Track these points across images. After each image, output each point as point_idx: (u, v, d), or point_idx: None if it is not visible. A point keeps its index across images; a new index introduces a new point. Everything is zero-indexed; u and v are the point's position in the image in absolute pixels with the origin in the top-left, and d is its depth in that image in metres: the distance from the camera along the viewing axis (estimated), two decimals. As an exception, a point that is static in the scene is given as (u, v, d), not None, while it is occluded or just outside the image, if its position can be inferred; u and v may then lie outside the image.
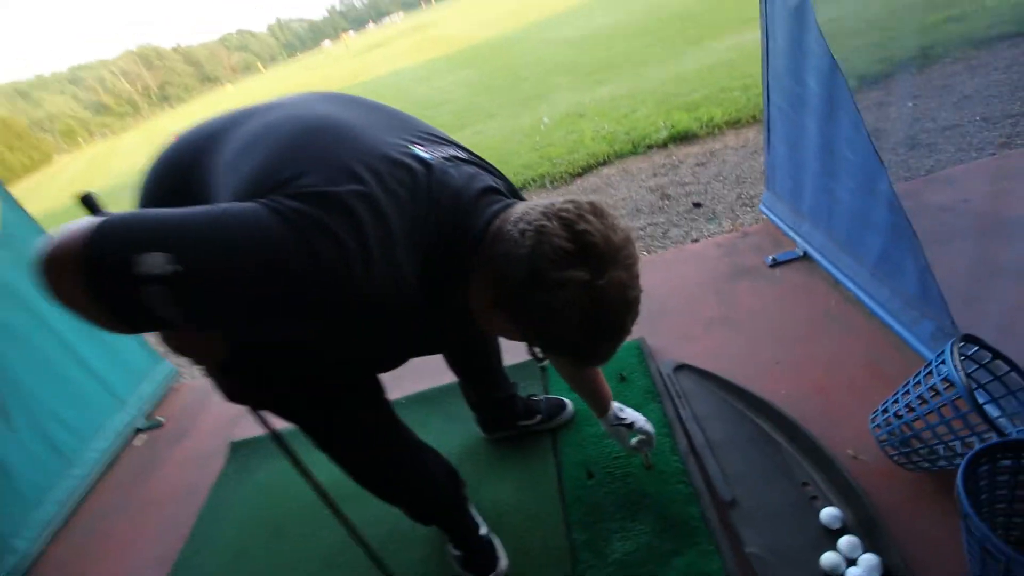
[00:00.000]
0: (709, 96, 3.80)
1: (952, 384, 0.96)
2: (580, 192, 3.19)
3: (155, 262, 0.53)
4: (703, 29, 6.14)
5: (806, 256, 1.83)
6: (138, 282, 0.53)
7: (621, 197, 2.93)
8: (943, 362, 0.99)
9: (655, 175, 3.05)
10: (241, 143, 0.71)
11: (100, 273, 0.53)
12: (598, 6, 11.89)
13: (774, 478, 1.20)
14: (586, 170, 3.40)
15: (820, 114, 1.54)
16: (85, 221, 0.55)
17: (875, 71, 3.08)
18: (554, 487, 1.33)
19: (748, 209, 2.44)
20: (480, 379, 1.37)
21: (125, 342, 2.38)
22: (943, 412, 0.99)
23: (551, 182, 3.42)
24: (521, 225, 0.67)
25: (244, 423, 2.00)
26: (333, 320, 0.65)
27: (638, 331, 1.58)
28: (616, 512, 1.23)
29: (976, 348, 1.04)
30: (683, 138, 3.36)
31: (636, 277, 0.69)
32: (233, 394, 0.89)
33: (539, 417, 1.46)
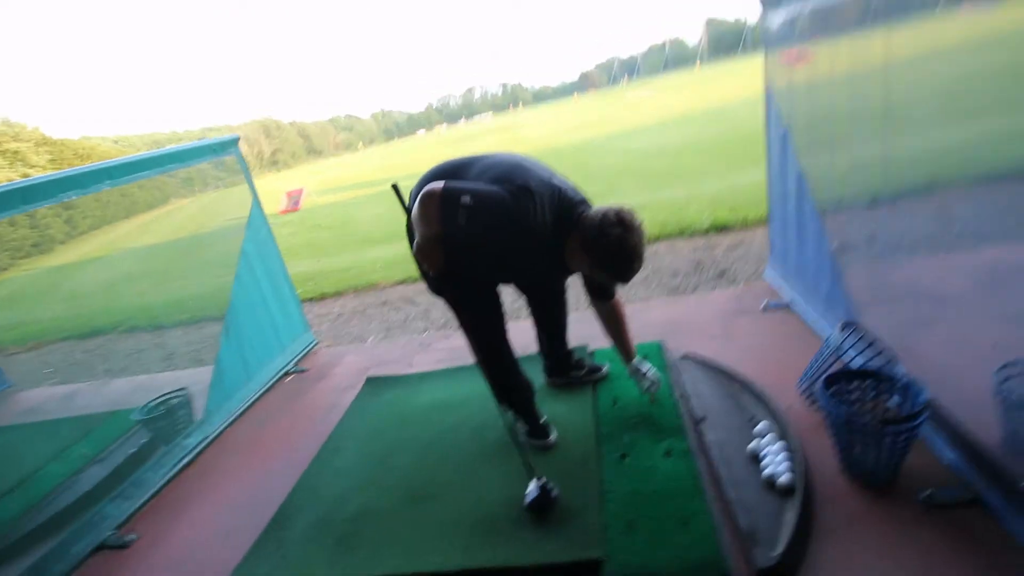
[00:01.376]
0: (751, 200, 4.65)
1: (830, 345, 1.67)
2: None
3: (465, 199, 1.43)
4: (763, 150, 7.13)
5: (789, 306, 2.55)
6: (459, 205, 1.42)
7: (665, 263, 3.74)
8: (829, 336, 1.71)
9: (694, 251, 3.86)
10: (482, 167, 1.63)
11: (447, 200, 1.43)
12: (673, 124, 13.35)
13: (732, 411, 1.88)
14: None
15: (795, 202, 2.36)
16: (438, 184, 1.47)
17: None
18: (590, 407, 2.05)
19: (759, 278, 3.18)
20: (553, 332, 2.16)
21: (293, 309, 3.35)
22: (828, 361, 1.69)
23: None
24: (593, 211, 1.55)
25: (373, 370, 2.85)
26: (515, 233, 1.52)
27: (661, 337, 2.35)
28: (628, 421, 1.93)
29: (855, 328, 1.75)
30: (722, 229, 4.19)
31: (643, 239, 1.53)
32: (435, 288, 1.76)
33: (586, 369, 2.21)
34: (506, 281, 1.90)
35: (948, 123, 1.71)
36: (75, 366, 4.72)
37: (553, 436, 1.91)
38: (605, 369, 2.25)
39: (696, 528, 1.43)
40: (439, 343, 3.14)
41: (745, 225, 4.14)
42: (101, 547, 1.97)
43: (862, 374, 1.60)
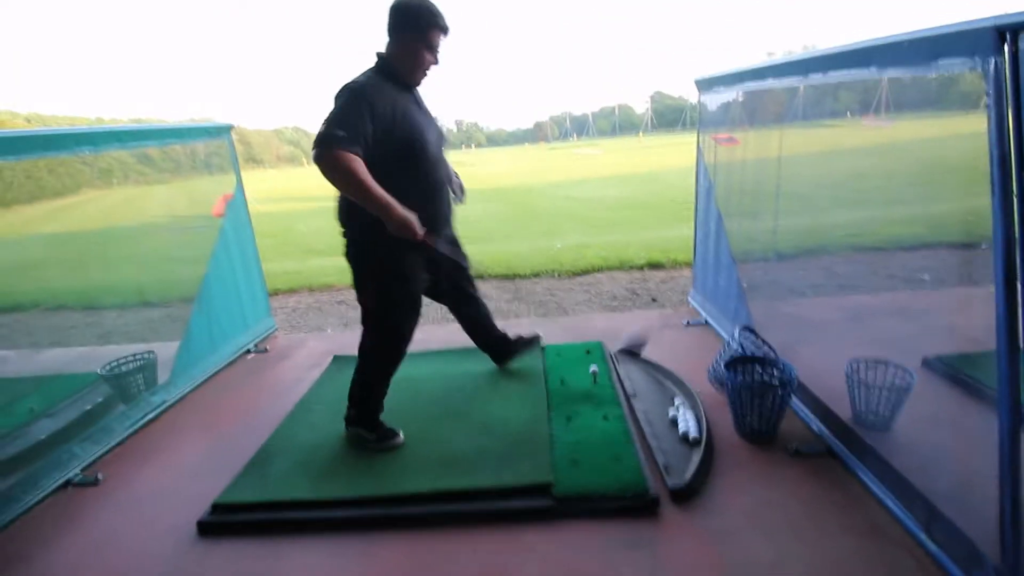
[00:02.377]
0: (680, 248, 5.33)
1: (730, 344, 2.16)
2: (575, 285, 4.51)
3: (339, 132, 1.62)
4: (692, 209, 8.09)
5: (707, 323, 3.08)
6: (347, 126, 1.63)
7: (605, 289, 4.25)
8: (732, 337, 2.20)
9: (631, 282, 4.42)
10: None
11: (340, 146, 1.63)
12: (615, 181, 14.54)
13: (657, 391, 2.32)
14: (583, 272, 4.79)
15: (714, 241, 2.93)
16: (326, 153, 1.63)
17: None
18: (542, 385, 2.42)
19: (685, 304, 3.74)
20: (478, 325, 2.49)
21: (259, 292, 3.49)
22: (729, 353, 2.17)
23: (557, 276, 4.77)
24: None
25: (338, 353, 3.06)
26: (376, 88, 1.73)
27: (601, 339, 2.79)
28: (574, 396, 2.30)
29: (751, 332, 2.26)
30: (655, 266, 4.80)
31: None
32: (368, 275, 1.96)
33: (523, 339, 2.59)
34: (423, 150, 1.86)
35: (840, 207, 2.38)
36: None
37: (401, 436, 2.05)
38: (541, 335, 2.66)
39: (625, 463, 1.80)
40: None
41: (675, 265, 4.78)
42: (67, 484, 2.03)
43: (752, 359, 2.09)
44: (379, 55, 1.87)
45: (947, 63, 1.24)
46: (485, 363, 2.68)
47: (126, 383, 2.57)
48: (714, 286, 3.02)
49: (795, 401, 2.12)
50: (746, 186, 2.68)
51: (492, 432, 2.08)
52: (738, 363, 2.07)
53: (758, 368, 2.03)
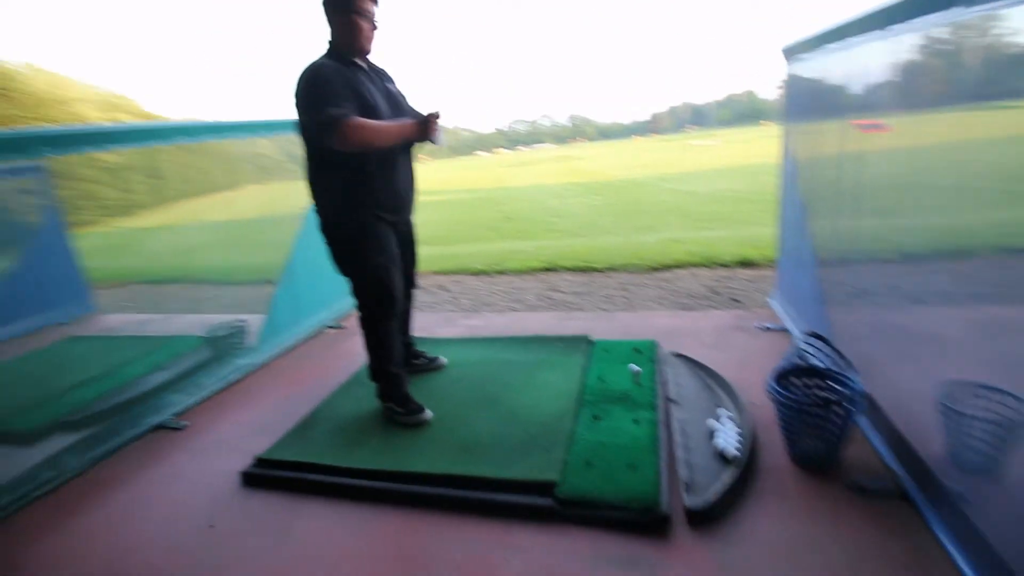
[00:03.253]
0: (780, 246, 4.78)
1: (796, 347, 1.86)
2: (651, 281, 4.23)
3: (333, 111, 1.76)
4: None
5: (786, 330, 2.71)
6: (328, 99, 1.79)
7: (683, 286, 3.94)
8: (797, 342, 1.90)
9: (715, 280, 4.04)
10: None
11: (329, 104, 1.79)
12: (730, 173, 13.47)
13: (704, 399, 2.08)
14: (663, 268, 4.48)
15: (798, 238, 2.56)
16: (334, 127, 1.78)
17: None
18: (577, 380, 2.30)
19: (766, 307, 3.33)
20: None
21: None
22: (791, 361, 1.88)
23: (634, 271, 4.52)
24: None
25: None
26: (335, 70, 1.86)
27: (659, 339, 2.58)
28: (609, 395, 2.15)
29: (819, 340, 1.93)
30: (746, 264, 4.34)
31: None
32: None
33: (423, 359, 2.56)
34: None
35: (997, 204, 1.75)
36: (149, 303, 5.31)
37: (429, 413, 2.10)
38: (442, 360, 2.59)
39: (642, 473, 1.64)
40: (462, 320, 3.45)
41: (769, 263, 4.28)
42: (160, 427, 2.37)
43: (810, 371, 1.78)
44: (328, 43, 1.99)
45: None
46: (531, 353, 2.62)
47: (221, 345, 2.92)
48: (796, 290, 2.64)
49: (870, 428, 1.78)
50: (849, 178, 2.23)
51: (516, 421, 2.02)
52: (792, 375, 1.78)
53: (817, 381, 1.73)
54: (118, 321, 4.29)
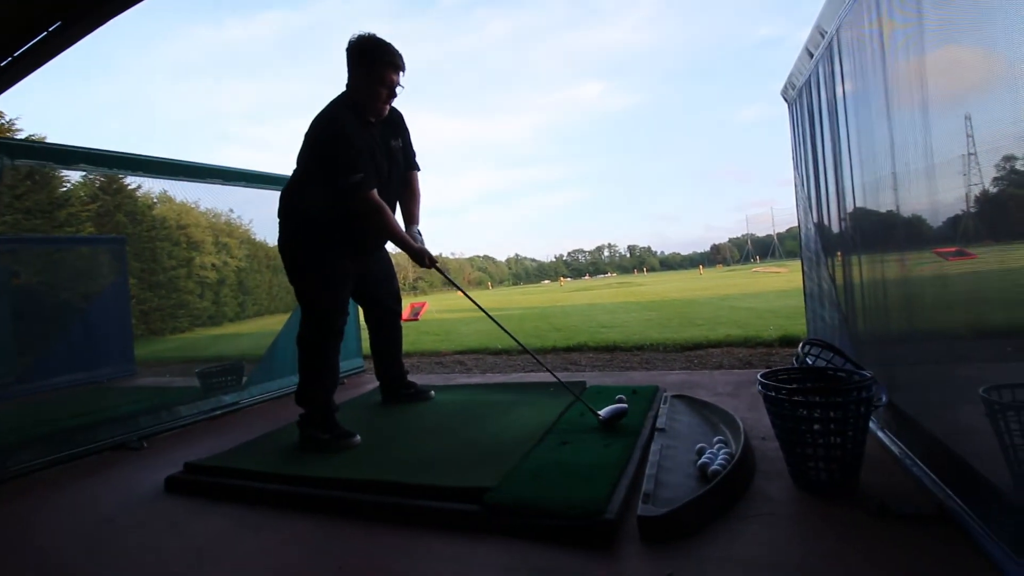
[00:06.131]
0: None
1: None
2: (678, 357, 3.87)
3: (356, 178, 1.88)
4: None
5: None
6: (349, 167, 1.89)
7: (713, 360, 3.56)
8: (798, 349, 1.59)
9: (750, 356, 3.63)
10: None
11: (349, 170, 1.91)
12: (789, 294, 12.73)
13: (700, 433, 1.74)
14: (693, 347, 4.11)
15: (818, 274, 2.30)
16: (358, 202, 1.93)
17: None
18: (557, 412, 2.02)
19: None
20: (388, 353, 2.34)
21: (352, 333, 3.77)
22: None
23: (662, 349, 4.18)
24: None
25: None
26: (347, 122, 1.91)
27: (669, 390, 2.27)
28: (588, 427, 1.84)
29: (822, 346, 1.60)
30: (788, 342, 3.90)
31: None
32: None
33: (415, 390, 2.41)
34: (381, 178, 2.01)
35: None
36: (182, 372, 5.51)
37: (357, 438, 1.91)
38: (431, 393, 2.45)
39: (595, 484, 1.33)
40: (462, 379, 3.26)
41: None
42: (121, 445, 2.33)
43: (816, 371, 1.46)
44: (346, 86, 2.02)
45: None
46: (519, 395, 2.38)
47: (211, 382, 2.92)
48: (819, 320, 2.31)
49: (900, 447, 1.38)
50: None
51: (472, 444, 1.77)
52: (784, 373, 1.47)
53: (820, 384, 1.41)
54: (149, 382, 4.45)
